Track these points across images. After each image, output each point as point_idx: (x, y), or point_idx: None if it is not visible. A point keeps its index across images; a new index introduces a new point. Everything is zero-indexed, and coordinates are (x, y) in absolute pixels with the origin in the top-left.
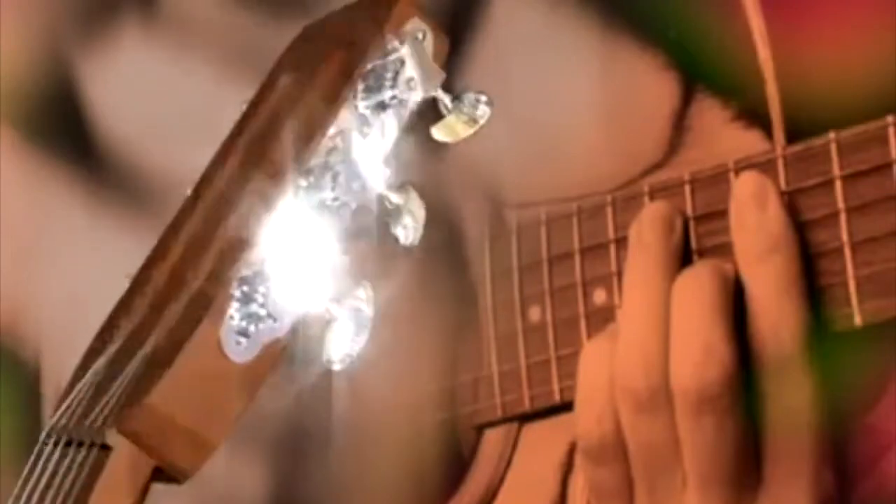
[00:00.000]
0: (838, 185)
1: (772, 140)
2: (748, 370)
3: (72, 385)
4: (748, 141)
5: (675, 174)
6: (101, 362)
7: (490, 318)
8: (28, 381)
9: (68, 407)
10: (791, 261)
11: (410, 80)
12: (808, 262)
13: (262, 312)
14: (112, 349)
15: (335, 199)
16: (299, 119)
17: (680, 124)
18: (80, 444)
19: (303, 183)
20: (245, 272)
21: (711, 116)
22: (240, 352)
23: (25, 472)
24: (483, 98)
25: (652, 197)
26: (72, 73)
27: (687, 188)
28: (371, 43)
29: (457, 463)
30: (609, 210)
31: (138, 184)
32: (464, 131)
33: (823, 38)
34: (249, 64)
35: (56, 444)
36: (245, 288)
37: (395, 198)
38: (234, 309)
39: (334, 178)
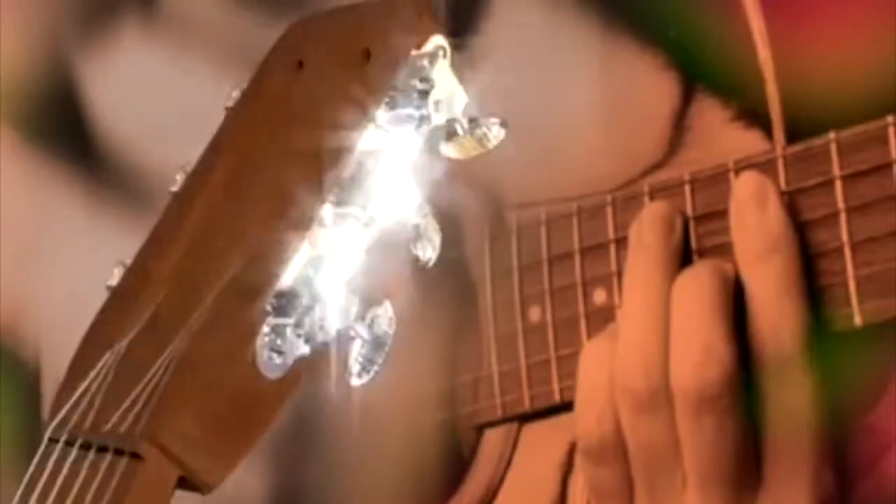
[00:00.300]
0: (838, 185)
1: (772, 140)
2: (748, 370)
3: (72, 380)
4: (748, 141)
5: (675, 174)
6: (110, 359)
7: (490, 318)
8: (28, 381)
9: (76, 405)
10: (791, 261)
11: (438, 102)
12: (808, 262)
13: (297, 330)
14: (122, 345)
15: (361, 216)
16: (326, 136)
17: (680, 124)
18: (103, 450)
19: (331, 199)
20: (280, 287)
21: (711, 116)
22: (272, 367)
23: (32, 470)
24: (499, 122)
25: (652, 197)
26: (72, 73)
27: (687, 188)
28: (398, 58)
29: (457, 463)
30: (609, 210)
31: (138, 184)
32: (474, 151)
33: (823, 38)
34: (250, 64)
35: (68, 445)
36: (280, 303)
37: (416, 217)
38: (268, 324)
39: (361, 195)
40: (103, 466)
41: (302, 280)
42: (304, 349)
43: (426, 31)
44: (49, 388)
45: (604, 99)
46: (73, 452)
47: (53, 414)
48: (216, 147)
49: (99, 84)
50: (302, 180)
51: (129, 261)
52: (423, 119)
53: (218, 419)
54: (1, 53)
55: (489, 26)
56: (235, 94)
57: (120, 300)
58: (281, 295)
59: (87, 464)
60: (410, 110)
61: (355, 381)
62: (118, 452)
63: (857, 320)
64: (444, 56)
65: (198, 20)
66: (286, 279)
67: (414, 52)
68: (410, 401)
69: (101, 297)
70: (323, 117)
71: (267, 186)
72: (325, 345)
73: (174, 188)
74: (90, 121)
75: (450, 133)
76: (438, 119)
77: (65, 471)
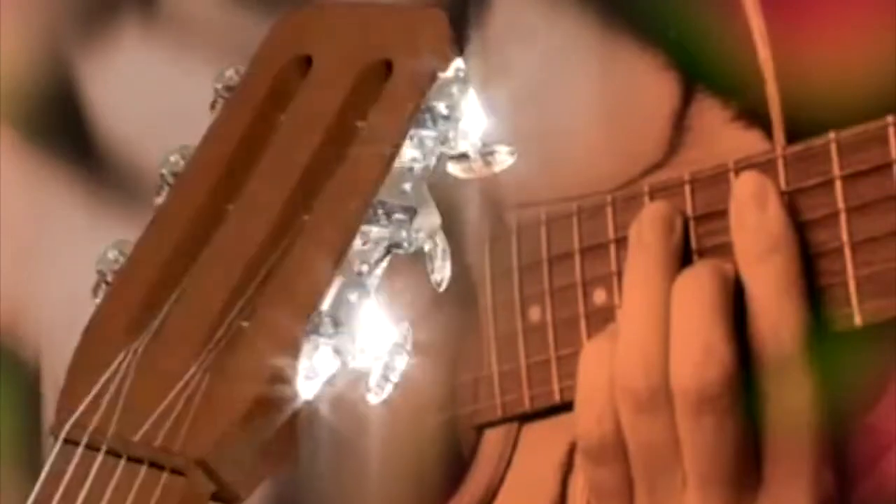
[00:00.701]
0: (838, 185)
1: (772, 140)
2: (748, 370)
3: (81, 376)
4: (748, 141)
5: (675, 174)
6: (126, 360)
7: (490, 318)
8: (28, 381)
9: (94, 406)
10: (791, 261)
11: (466, 132)
12: (808, 262)
13: (334, 351)
14: (139, 347)
15: (393, 238)
16: (360, 159)
17: (680, 124)
18: (134, 460)
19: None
20: (323, 306)
21: (711, 116)
22: (308, 388)
23: (48, 470)
24: (509, 150)
25: (652, 197)
26: (72, 73)
27: (687, 188)
28: (425, 80)
29: (457, 463)
30: (609, 210)
31: (138, 184)
32: (480, 174)
33: (823, 38)
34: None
35: (91, 449)
36: (318, 324)
37: (431, 239)
38: (307, 345)
39: (388, 216)
40: (139, 479)
41: (342, 300)
42: (335, 371)
43: (450, 52)
44: (49, 388)
45: (604, 99)
46: (99, 459)
47: (64, 411)
48: (219, 136)
49: (99, 84)
50: (333, 191)
51: (127, 246)
52: (447, 143)
53: (256, 435)
54: (1, 53)
55: (489, 26)
56: (230, 73)
57: (127, 291)
58: (324, 314)
59: (117, 473)
60: (433, 134)
61: (373, 400)
62: (154, 465)
63: (857, 320)
64: (467, 81)
65: (198, 20)
66: (328, 298)
67: (441, 76)
68: (410, 401)
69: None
70: (344, 130)
71: (294, 196)
72: (357, 369)
73: (167, 170)
74: (90, 121)
75: (461, 155)
76: (463, 146)
77: (91, 477)
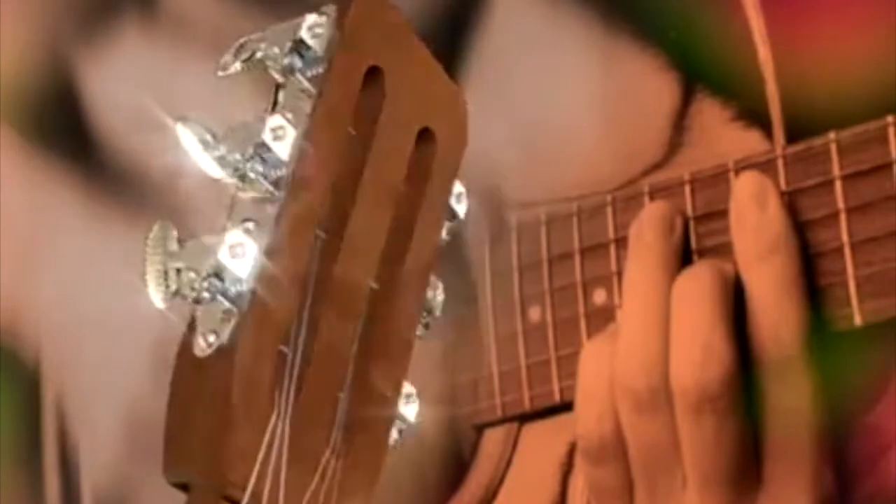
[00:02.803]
0: (838, 185)
1: (772, 140)
2: (748, 370)
3: (241, 431)
4: (748, 141)
5: (675, 174)
6: (279, 427)
7: (490, 318)
8: (28, 381)
9: (260, 472)
10: (791, 261)
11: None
12: (808, 262)
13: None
14: (288, 413)
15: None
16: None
17: (680, 124)
18: None
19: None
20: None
21: (711, 116)
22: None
23: None
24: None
25: (652, 197)
26: (72, 73)
27: (687, 188)
28: (454, 172)
29: (457, 463)
30: (609, 210)
31: (137, 183)
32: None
33: (823, 38)
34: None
35: None
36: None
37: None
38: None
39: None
40: None
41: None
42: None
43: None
44: (49, 389)
45: (604, 99)
46: None
47: (219, 464)
48: (320, 160)
49: (99, 84)
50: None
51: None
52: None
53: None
54: (1, 53)
55: (490, 26)
56: (227, 59)
57: (266, 332)
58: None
59: None
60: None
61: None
62: None
63: (857, 320)
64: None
65: (198, 20)
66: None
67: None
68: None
69: (100, 297)
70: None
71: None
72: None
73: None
74: (90, 121)
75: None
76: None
77: None
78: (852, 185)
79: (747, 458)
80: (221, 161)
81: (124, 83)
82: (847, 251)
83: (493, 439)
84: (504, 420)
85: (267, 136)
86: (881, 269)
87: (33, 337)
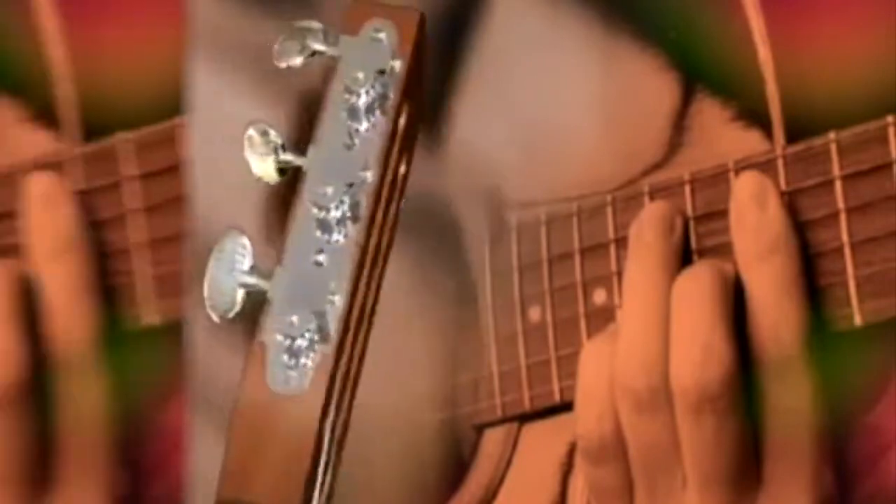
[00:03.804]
0: (838, 185)
1: (772, 140)
2: (748, 370)
3: None
4: (748, 141)
5: (675, 174)
6: None
7: (490, 318)
8: None
9: None
10: (791, 261)
11: None
12: (808, 262)
13: None
14: None
15: None
16: None
17: (680, 124)
18: None
19: None
20: None
21: (711, 116)
22: None
23: None
24: None
25: (652, 197)
26: None
27: (687, 188)
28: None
29: (457, 463)
30: (609, 210)
31: None
32: None
33: (823, 38)
34: (250, 63)
35: None
36: None
37: None
38: None
39: None
40: None
41: None
42: None
43: None
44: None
45: (604, 99)
46: None
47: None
48: None
49: None
50: None
51: None
52: None
53: None
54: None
55: (490, 26)
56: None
57: None
58: None
59: None
60: None
61: None
62: None
63: (857, 320)
64: None
65: (201, 20)
66: None
67: None
68: (410, 401)
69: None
70: None
71: None
72: None
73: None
74: None
75: None
76: None
77: None
78: (852, 185)
79: (747, 458)
80: None
81: None
82: (847, 251)
83: (493, 439)
84: (504, 420)
85: None
86: (881, 269)
87: None
